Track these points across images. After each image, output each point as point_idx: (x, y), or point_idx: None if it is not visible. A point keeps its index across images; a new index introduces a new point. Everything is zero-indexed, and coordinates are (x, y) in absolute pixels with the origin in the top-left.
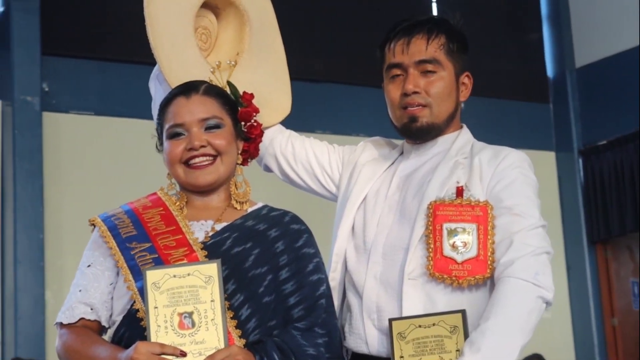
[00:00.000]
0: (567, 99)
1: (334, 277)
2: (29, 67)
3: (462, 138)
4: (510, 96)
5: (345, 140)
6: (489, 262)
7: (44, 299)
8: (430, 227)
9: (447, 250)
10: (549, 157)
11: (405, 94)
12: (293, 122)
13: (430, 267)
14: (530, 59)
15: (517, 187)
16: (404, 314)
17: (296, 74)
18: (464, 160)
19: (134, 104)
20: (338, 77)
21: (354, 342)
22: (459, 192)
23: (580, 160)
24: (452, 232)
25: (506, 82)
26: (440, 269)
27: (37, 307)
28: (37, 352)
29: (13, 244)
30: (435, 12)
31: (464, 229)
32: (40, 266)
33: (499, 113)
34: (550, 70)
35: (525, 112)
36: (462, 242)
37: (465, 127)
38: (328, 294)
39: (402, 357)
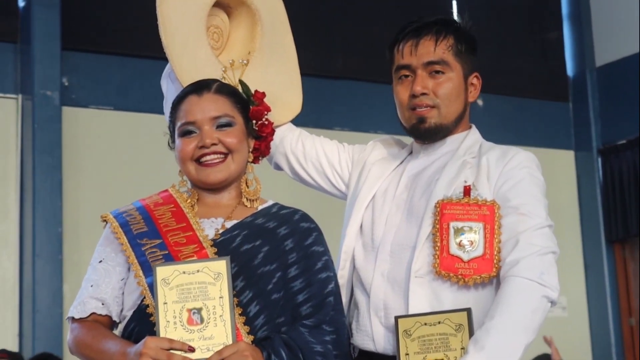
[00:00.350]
0: (587, 98)
1: (343, 275)
2: (49, 61)
3: (470, 138)
4: (530, 95)
5: (363, 137)
6: (495, 261)
7: (61, 292)
8: (437, 226)
9: (454, 249)
10: (568, 156)
11: (413, 95)
12: (312, 118)
13: (436, 265)
14: (550, 58)
15: (524, 187)
16: (411, 312)
17: (316, 71)
18: (471, 159)
19: (153, 99)
20: (358, 74)
21: (361, 339)
22: (466, 191)
23: (599, 160)
24: (459, 231)
25: (526, 80)
26: (447, 267)
27: (55, 301)
28: (54, 345)
29: (32, 238)
30: (455, 10)
31: (471, 228)
32: (59, 260)
33: (518, 111)
34: (570, 69)
35: (545, 111)
36: (469, 240)
37: (474, 127)
38: (336, 292)
39: (407, 354)
